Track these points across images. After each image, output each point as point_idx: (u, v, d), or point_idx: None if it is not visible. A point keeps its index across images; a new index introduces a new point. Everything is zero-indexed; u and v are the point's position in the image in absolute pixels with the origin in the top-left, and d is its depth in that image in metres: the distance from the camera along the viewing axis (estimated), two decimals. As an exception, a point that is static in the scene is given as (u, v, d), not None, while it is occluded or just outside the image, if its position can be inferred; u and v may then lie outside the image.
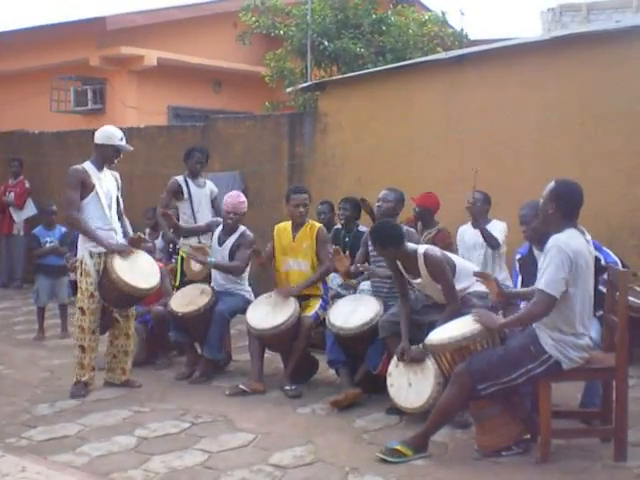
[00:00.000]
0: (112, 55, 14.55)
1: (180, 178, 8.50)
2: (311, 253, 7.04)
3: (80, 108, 14.95)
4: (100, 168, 6.74)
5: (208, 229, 8.20)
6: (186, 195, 8.37)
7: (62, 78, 15.00)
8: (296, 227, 7.13)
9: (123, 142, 6.82)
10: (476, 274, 5.70)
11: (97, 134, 6.81)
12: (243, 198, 7.56)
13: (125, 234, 6.91)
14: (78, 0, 45.41)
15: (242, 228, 7.50)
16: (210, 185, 8.64)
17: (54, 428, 5.77)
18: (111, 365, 6.95)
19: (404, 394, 5.78)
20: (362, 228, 8.10)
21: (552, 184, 4.98)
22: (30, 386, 6.96)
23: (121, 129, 7.00)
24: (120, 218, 6.94)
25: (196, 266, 7.65)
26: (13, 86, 15.91)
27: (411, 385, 5.74)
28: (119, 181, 6.98)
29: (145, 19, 14.73)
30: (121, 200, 7.01)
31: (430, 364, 5.63)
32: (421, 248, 6.08)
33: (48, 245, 9.30)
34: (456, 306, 5.82)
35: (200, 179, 8.57)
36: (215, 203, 8.53)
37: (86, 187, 6.59)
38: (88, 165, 6.70)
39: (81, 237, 6.75)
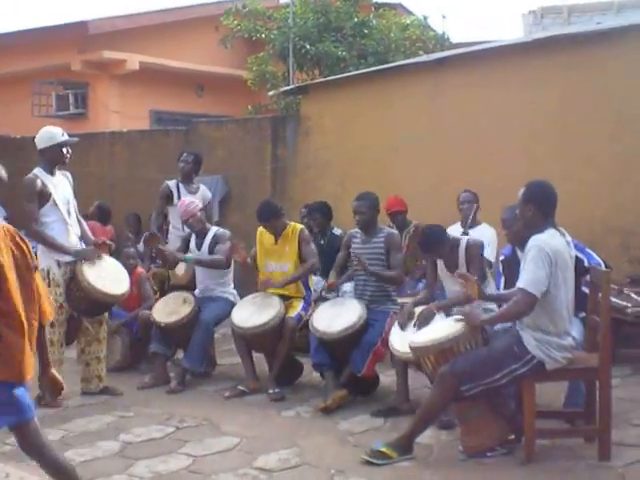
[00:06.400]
0: (94, 59, 14.52)
1: (172, 183, 8.41)
2: (293, 256, 7.00)
3: (62, 113, 14.88)
4: (52, 172, 6.51)
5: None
6: (176, 200, 8.23)
7: (44, 83, 14.95)
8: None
9: (65, 136, 6.54)
10: (458, 274, 5.73)
11: (37, 140, 6.52)
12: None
13: (85, 239, 6.69)
14: (60, 4, 45.35)
15: (214, 228, 7.52)
16: (203, 191, 8.53)
17: (37, 434, 5.72)
18: (85, 375, 6.79)
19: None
20: (336, 231, 8.15)
21: (523, 189, 5.03)
22: (13, 392, 6.89)
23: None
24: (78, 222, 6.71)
25: (180, 270, 7.61)
26: (-6, 91, 15.84)
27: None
28: (71, 181, 6.72)
29: (127, 23, 14.73)
30: (75, 202, 6.72)
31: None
32: (464, 238, 6.29)
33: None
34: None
35: (193, 185, 8.46)
36: (206, 210, 8.27)
37: (43, 196, 6.37)
38: (40, 172, 6.45)
39: (42, 247, 6.48)
